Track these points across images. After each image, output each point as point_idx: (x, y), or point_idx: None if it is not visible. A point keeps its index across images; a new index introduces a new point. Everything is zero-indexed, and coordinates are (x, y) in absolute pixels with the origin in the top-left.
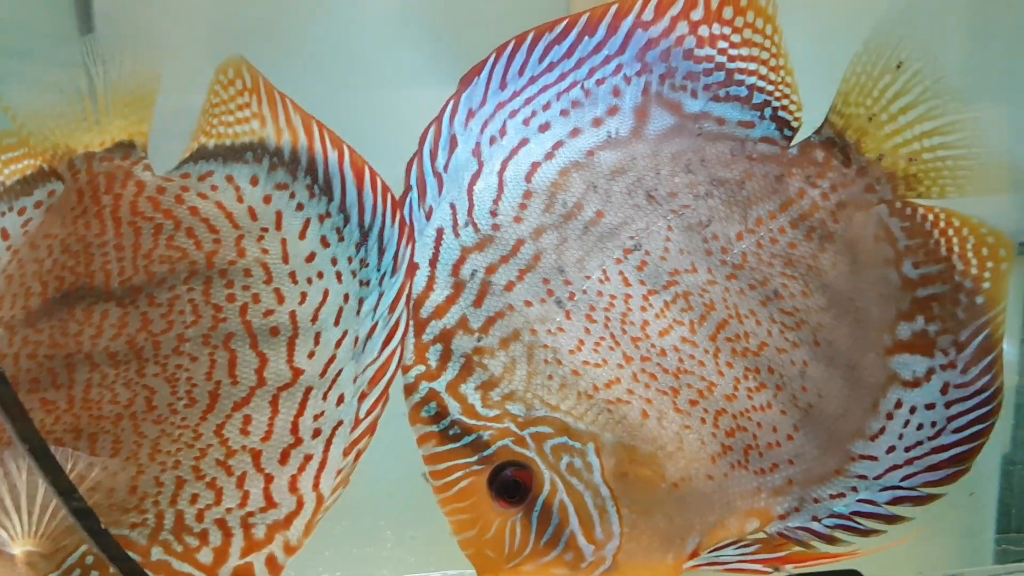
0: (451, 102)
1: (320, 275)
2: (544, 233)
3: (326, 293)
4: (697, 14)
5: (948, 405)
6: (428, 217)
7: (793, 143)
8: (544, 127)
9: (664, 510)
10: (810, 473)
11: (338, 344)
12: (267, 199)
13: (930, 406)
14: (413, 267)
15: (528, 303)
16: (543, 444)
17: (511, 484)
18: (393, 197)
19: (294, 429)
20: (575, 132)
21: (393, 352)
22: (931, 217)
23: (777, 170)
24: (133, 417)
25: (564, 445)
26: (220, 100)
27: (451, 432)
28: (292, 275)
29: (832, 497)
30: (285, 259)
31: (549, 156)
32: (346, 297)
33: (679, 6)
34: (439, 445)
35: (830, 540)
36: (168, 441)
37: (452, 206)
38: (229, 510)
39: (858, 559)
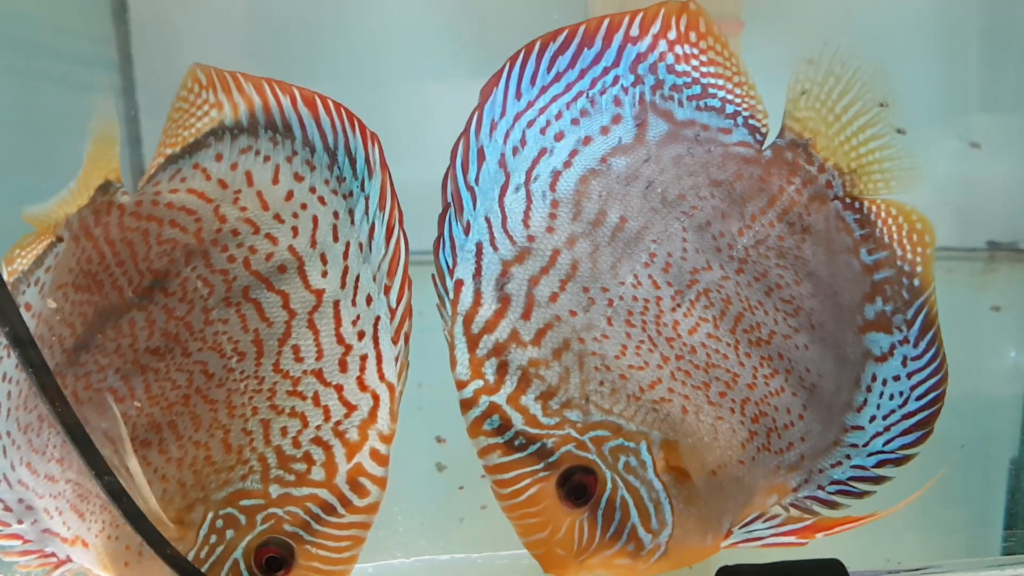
0: (475, 114)
1: (304, 206)
2: (577, 242)
3: (315, 219)
4: (672, 34)
5: (909, 376)
6: (467, 232)
7: (764, 146)
8: (559, 136)
9: (705, 496)
10: (816, 447)
11: (345, 255)
12: (234, 166)
13: (896, 378)
14: (385, 163)
15: (573, 312)
16: (602, 447)
17: (580, 487)
18: (348, 111)
19: (339, 339)
20: (587, 140)
21: (398, 241)
22: (875, 208)
23: (759, 170)
24: (198, 391)
25: (620, 446)
26: (183, 110)
27: (516, 443)
28: (277, 217)
29: (832, 466)
30: (264, 207)
31: (567, 164)
32: (335, 214)
33: (658, 25)
34: (504, 455)
35: (832, 505)
36: (238, 396)
37: (487, 219)
38: (319, 427)
39: (839, 549)
